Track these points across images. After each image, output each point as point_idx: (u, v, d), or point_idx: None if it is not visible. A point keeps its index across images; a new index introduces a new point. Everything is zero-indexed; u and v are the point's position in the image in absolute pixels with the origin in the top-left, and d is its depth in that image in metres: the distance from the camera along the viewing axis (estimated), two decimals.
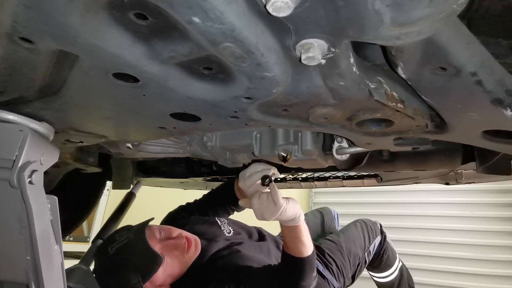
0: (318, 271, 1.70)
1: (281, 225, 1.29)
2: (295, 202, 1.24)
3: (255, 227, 1.80)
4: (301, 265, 1.29)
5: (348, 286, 1.87)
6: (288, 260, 1.31)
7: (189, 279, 1.36)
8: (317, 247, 1.83)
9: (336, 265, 1.77)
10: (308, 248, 1.30)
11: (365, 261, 1.96)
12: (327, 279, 1.71)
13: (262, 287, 1.33)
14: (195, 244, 1.40)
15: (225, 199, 1.66)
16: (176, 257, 1.33)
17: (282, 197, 1.19)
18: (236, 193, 1.58)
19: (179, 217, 1.64)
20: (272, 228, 1.86)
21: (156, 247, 1.28)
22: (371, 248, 1.98)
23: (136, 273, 1.22)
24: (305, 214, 2.38)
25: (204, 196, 1.76)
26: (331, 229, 2.25)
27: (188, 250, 1.36)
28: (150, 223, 1.37)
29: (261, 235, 1.76)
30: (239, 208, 1.68)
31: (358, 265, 1.90)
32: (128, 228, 1.35)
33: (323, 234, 2.18)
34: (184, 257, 1.35)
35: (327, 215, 2.34)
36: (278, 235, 2.16)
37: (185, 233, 1.42)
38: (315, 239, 2.06)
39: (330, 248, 1.85)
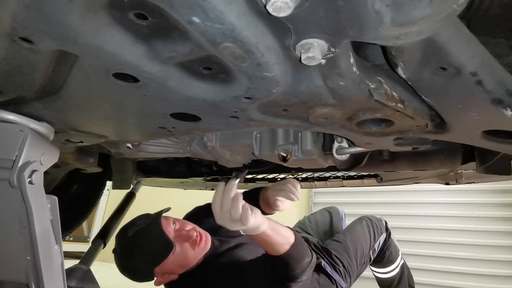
0: (326, 273, 1.72)
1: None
2: (258, 213, 1.20)
3: None
4: (282, 261, 1.27)
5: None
6: (269, 258, 1.30)
7: (197, 273, 1.43)
8: (325, 249, 1.85)
9: (343, 265, 1.78)
10: (283, 245, 1.25)
11: (370, 259, 1.97)
12: (335, 280, 1.72)
13: (258, 283, 1.35)
14: (206, 240, 1.46)
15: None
16: (187, 248, 1.39)
17: (247, 209, 1.15)
18: (260, 201, 1.70)
19: (203, 211, 1.71)
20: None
21: (169, 235, 1.35)
22: (376, 246, 1.99)
23: (148, 257, 1.32)
24: (314, 213, 2.39)
25: None
26: (337, 229, 2.26)
27: (199, 244, 1.42)
28: (166, 213, 1.47)
29: None
30: None
31: (363, 264, 1.91)
32: (147, 215, 1.44)
33: (331, 233, 2.19)
34: (194, 250, 1.41)
35: (335, 215, 2.36)
36: None
37: (198, 228, 1.48)
38: (322, 239, 2.08)
39: (337, 249, 1.85)
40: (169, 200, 2.33)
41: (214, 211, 1.18)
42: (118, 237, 1.45)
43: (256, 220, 1.15)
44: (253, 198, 1.72)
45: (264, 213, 1.69)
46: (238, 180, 1.25)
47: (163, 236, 1.32)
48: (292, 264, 1.27)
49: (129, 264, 1.38)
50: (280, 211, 1.66)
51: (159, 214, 1.40)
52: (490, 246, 3.88)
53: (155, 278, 1.41)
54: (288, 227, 1.33)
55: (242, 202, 1.16)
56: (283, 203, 1.62)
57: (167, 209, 1.49)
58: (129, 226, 1.41)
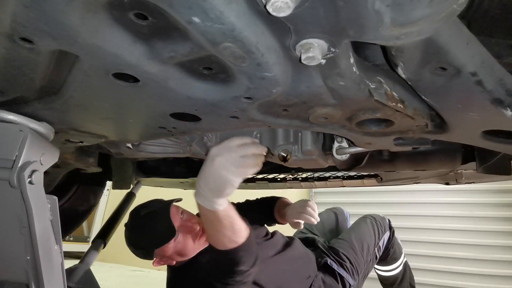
0: (332, 271, 1.73)
1: (198, 206, 1.08)
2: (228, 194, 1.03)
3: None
4: (218, 255, 1.16)
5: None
6: (217, 253, 1.16)
7: (189, 267, 1.49)
8: (331, 248, 1.88)
9: (350, 262, 1.80)
10: (227, 240, 1.11)
11: (376, 257, 2.00)
12: (342, 277, 1.73)
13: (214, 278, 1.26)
14: (206, 238, 1.49)
15: (261, 213, 1.83)
16: (188, 239, 1.47)
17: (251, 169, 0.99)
18: (275, 212, 1.82)
19: None
20: (283, 227, 1.91)
21: (175, 223, 1.43)
22: (380, 244, 2.02)
23: (152, 238, 1.42)
24: (319, 214, 2.43)
25: (246, 201, 1.92)
26: (343, 229, 2.29)
27: (200, 238, 1.49)
28: (178, 203, 1.56)
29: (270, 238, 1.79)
30: (271, 225, 1.88)
31: (369, 261, 1.93)
32: (160, 200, 1.55)
33: (337, 233, 2.21)
34: (194, 242, 1.48)
35: (340, 216, 2.39)
36: (296, 233, 2.22)
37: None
38: (329, 238, 2.11)
39: (343, 246, 1.88)
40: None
41: (229, 140, 1.00)
42: (131, 213, 1.56)
43: (228, 192, 0.99)
44: (268, 206, 1.85)
45: (277, 222, 1.84)
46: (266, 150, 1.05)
47: (169, 222, 1.41)
48: (224, 264, 1.17)
49: (134, 240, 1.49)
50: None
51: (170, 202, 1.50)
52: (490, 246, 3.87)
53: (154, 259, 1.50)
54: (249, 227, 1.18)
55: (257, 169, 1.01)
56: (301, 224, 1.73)
57: (179, 199, 1.59)
58: (143, 207, 1.52)
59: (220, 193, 0.99)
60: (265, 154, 1.03)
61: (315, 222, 1.69)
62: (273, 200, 1.88)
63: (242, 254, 1.14)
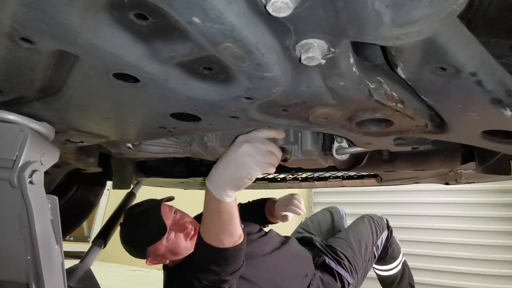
0: (331, 269, 1.74)
1: (206, 192, 1.04)
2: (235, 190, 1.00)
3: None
4: (201, 248, 1.12)
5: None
6: (200, 243, 1.12)
7: (181, 267, 1.50)
8: (329, 246, 1.90)
9: (348, 260, 1.81)
10: (217, 236, 1.08)
11: (374, 256, 2.01)
12: (341, 275, 1.74)
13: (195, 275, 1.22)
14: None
15: (254, 215, 1.89)
16: (180, 237, 1.49)
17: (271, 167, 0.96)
18: (266, 212, 1.90)
19: None
20: (280, 228, 1.92)
21: (167, 221, 1.47)
22: (379, 243, 2.04)
23: (144, 235, 1.46)
24: (315, 214, 2.45)
25: (238, 204, 1.92)
26: (339, 228, 2.31)
27: (192, 237, 1.52)
28: (170, 203, 1.62)
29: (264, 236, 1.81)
30: (265, 226, 1.94)
31: (368, 260, 1.95)
32: (153, 200, 1.60)
33: (333, 232, 2.23)
34: (186, 241, 1.50)
35: (336, 215, 2.41)
36: (293, 233, 2.23)
37: (195, 223, 1.57)
38: (326, 237, 2.13)
39: (341, 245, 1.90)
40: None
41: (258, 130, 0.96)
42: (126, 212, 1.64)
43: (244, 182, 0.97)
44: (259, 208, 1.91)
45: (269, 222, 1.91)
46: (282, 155, 1.02)
47: (160, 220, 1.45)
48: (202, 257, 1.14)
49: (128, 238, 1.52)
50: (285, 222, 1.88)
51: (161, 200, 1.57)
52: (490, 246, 3.88)
53: (149, 258, 1.52)
54: (243, 232, 1.14)
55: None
56: (288, 216, 1.81)
57: (171, 198, 1.65)
58: (137, 206, 1.58)
59: (236, 181, 0.96)
60: (285, 157, 1.04)
61: (301, 213, 1.79)
62: (263, 201, 1.96)
63: (223, 258, 1.10)
